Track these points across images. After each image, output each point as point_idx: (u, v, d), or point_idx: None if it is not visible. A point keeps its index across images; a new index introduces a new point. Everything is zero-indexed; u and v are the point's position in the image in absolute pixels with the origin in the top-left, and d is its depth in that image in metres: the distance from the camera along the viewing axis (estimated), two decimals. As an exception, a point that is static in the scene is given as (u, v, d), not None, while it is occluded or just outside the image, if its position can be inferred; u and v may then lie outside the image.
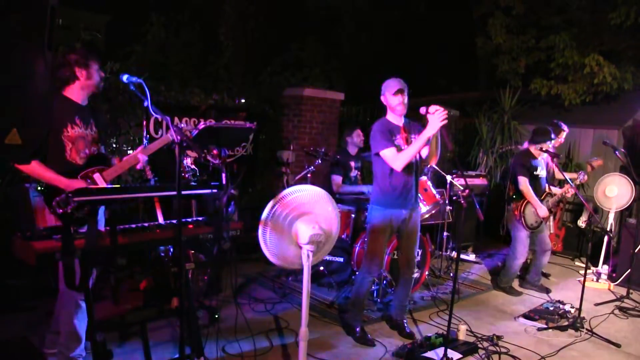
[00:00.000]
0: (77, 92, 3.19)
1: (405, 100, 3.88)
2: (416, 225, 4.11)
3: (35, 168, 2.95)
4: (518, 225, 5.29)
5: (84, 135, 3.22)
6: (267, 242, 2.89)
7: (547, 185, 5.48)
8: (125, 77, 2.94)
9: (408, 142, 3.92)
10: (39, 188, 3.04)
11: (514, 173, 5.31)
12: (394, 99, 3.87)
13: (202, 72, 8.30)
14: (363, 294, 4.12)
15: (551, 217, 5.90)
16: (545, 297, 5.43)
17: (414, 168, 3.97)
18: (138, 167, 3.40)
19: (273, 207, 2.87)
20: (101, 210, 2.97)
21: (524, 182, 5.21)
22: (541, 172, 5.39)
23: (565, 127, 5.73)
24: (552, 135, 5.24)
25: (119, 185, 3.14)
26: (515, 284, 5.70)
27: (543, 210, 5.21)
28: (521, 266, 5.45)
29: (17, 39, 1.34)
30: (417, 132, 3.94)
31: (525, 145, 5.50)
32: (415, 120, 4.08)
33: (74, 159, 3.17)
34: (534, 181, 5.31)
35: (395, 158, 3.78)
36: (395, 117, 3.95)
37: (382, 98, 3.97)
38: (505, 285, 5.54)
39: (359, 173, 5.66)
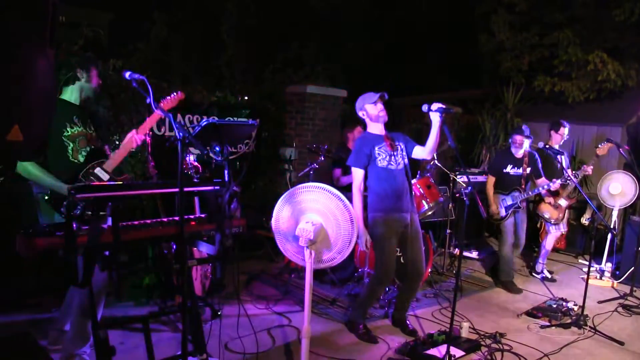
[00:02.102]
0: (75, 93, 3.24)
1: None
2: (418, 229, 4.11)
3: (32, 171, 2.96)
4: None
5: (83, 134, 3.23)
6: (279, 233, 2.94)
7: (529, 181, 5.72)
8: (127, 74, 2.95)
9: (393, 147, 3.99)
10: (46, 197, 3.05)
11: None
12: (374, 109, 3.96)
13: (205, 69, 8.30)
14: (373, 300, 4.20)
15: (564, 216, 5.92)
16: (548, 294, 5.42)
17: (404, 172, 4.02)
18: (134, 146, 3.39)
19: (288, 198, 2.90)
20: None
21: (488, 179, 5.70)
22: (512, 170, 5.60)
23: (565, 124, 5.77)
24: (526, 132, 5.48)
25: (121, 182, 3.13)
26: (518, 281, 5.70)
27: (492, 208, 5.56)
28: (511, 254, 5.63)
29: (18, 35, 1.34)
30: (401, 140, 4.09)
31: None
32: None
33: (76, 159, 3.19)
34: (503, 177, 5.60)
35: (357, 181, 3.96)
36: (378, 126, 4.03)
37: (360, 114, 4.05)
38: (505, 279, 5.59)
39: None
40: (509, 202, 5.51)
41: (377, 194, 3.95)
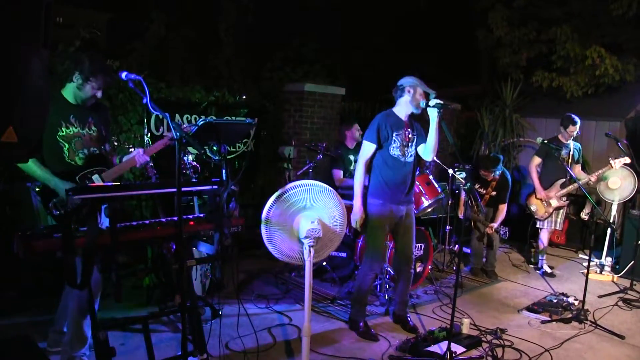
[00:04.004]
0: (71, 93, 3.18)
1: None
2: (412, 221, 4.11)
3: (31, 166, 2.94)
4: None
5: (80, 135, 3.19)
6: (270, 237, 2.89)
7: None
8: (124, 75, 2.94)
9: (410, 139, 3.93)
10: (37, 189, 3.03)
11: None
12: (422, 97, 3.84)
13: (203, 68, 8.28)
14: (365, 290, 4.11)
15: (559, 214, 5.95)
16: (548, 289, 5.43)
17: (413, 165, 3.98)
18: (138, 165, 3.39)
19: (275, 201, 2.87)
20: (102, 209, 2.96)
21: None
22: (479, 188, 5.87)
23: (576, 120, 5.77)
24: (496, 166, 5.70)
25: (119, 183, 3.12)
26: (517, 277, 5.69)
27: (460, 211, 5.85)
28: (478, 245, 5.91)
29: (11, 35, 1.33)
30: (416, 130, 4.00)
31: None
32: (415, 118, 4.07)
33: (72, 160, 3.16)
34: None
35: (365, 155, 3.92)
36: (406, 111, 3.92)
37: (407, 89, 3.87)
38: (475, 266, 5.94)
39: None
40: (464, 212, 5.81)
41: (379, 180, 3.94)
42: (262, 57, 8.56)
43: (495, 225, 5.66)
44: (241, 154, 6.41)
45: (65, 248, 2.35)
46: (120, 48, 6.90)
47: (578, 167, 5.95)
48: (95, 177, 3.18)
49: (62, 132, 3.12)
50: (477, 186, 5.81)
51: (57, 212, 2.89)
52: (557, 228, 6.05)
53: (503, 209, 5.78)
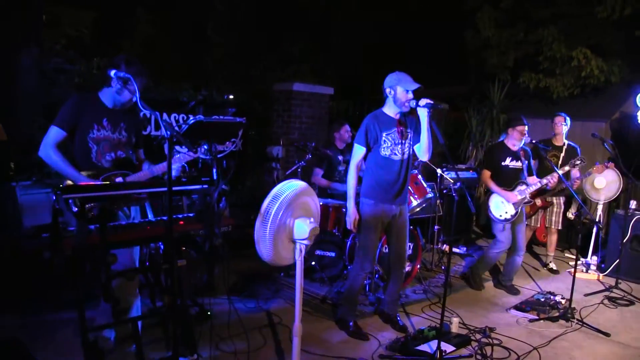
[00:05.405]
0: (109, 97, 3.20)
1: None
2: (405, 220, 4.11)
3: (54, 157, 2.97)
4: (489, 216, 5.27)
5: (110, 139, 3.21)
6: (263, 242, 2.85)
7: (526, 176, 5.37)
8: (112, 73, 2.92)
9: (404, 136, 3.91)
10: (61, 185, 3.02)
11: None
12: (405, 95, 3.79)
13: (192, 67, 8.24)
14: (356, 290, 4.11)
15: (553, 213, 6.00)
16: (536, 288, 5.47)
17: (406, 163, 3.97)
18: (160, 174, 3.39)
19: (268, 206, 2.84)
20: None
21: (483, 174, 5.29)
22: (511, 163, 5.25)
23: (560, 113, 5.87)
24: (524, 121, 5.17)
25: (108, 182, 3.09)
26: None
27: (512, 197, 5.10)
28: (498, 257, 5.34)
29: (1, 35, 1.31)
30: (413, 127, 3.95)
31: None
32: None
33: (99, 161, 3.17)
34: (502, 172, 5.22)
35: (356, 158, 3.92)
36: (395, 110, 3.90)
37: (387, 90, 3.87)
38: (476, 272, 5.45)
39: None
40: (519, 197, 5.13)
41: (371, 180, 3.94)
42: (251, 56, 8.53)
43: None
44: (229, 153, 6.38)
45: (52, 248, 2.32)
46: (107, 46, 6.84)
47: (574, 170, 5.93)
48: (119, 179, 3.17)
49: (93, 134, 3.14)
50: (509, 160, 5.20)
51: (77, 209, 2.84)
52: (555, 227, 6.07)
53: (533, 180, 5.31)
